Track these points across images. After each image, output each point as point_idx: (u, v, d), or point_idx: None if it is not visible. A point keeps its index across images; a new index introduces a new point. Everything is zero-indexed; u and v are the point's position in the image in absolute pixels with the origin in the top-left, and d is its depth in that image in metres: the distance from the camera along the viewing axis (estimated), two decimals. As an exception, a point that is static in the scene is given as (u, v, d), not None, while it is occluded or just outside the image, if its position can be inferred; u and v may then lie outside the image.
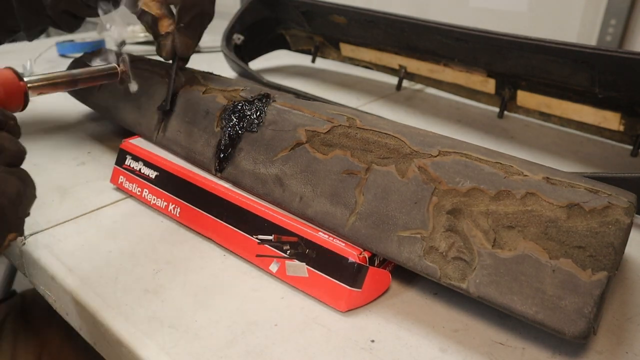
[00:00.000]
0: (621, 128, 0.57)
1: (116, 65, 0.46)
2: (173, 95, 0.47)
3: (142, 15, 0.45)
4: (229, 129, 0.43)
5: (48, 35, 1.20)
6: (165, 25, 0.45)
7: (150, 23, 0.45)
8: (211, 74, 0.50)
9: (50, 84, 0.42)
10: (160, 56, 0.46)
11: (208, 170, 0.43)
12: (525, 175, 0.32)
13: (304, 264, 0.35)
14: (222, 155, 0.42)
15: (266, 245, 0.37)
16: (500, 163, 0.33)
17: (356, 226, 0.35)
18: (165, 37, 0.45)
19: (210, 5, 0.46)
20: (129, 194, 0.47)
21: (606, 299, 0.29)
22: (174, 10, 0.46)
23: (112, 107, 0.53)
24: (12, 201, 0.26)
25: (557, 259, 0.29)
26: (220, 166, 0.42)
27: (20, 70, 0.70)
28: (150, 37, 0.73)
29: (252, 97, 0.43)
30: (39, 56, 0.91)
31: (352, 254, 0.33)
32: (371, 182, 0.35)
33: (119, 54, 0.48)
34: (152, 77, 0.50)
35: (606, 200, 0.29)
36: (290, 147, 0.39)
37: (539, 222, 0.30)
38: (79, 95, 0.60)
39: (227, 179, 0.42)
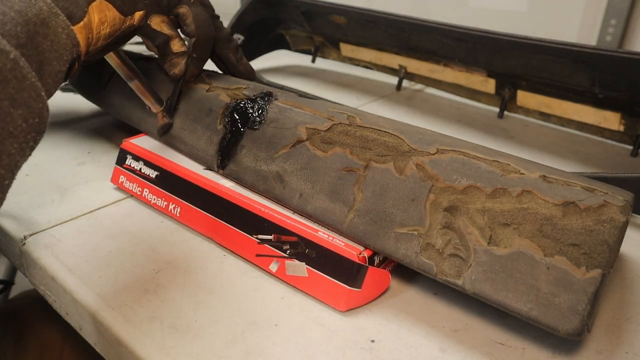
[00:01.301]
0: (621, 128, 0.57)
1: (160, 112, 0.47)
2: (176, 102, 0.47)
3: (151, 34, 0.44)
4: (232, 126, 0.43)
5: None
6: (178, 46, 0.45)
7: (161, 42, 0.44)
8: (215, 72, 0.50)
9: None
10: (169, 73, 0.45)
11: (210, 167, 0.43)
12: (522, 174, 0.32)
13: (304, 263, 0.35)
14: (224, 153, 0.42)
15: (266, 245, 0.37)
16: (498, 161, 0.33)
17: (354, 223, 0.35)
18: (179, 56, 0.45)
19: (220, 33, 0.48)
20: (129, 194, 0.47)
21: (601, 297, 0.29)
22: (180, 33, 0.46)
23: (118, 104, 0.53)
24: None
25: (551, 256, 0.29)
26: (222, 163, 0.42)
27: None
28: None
29: (254, 95, 0.44)
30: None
31: (352, 254, 0.33)
32: (370, 179, 0.35)
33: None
34: (157, 76, 0.50)
35: (602, 199, 0.29)
36: (291, 145, 0.39)
37: (534, 220, 0.30)
38: (84, 91, 0.60)
39: (228, 176, 0.42)
